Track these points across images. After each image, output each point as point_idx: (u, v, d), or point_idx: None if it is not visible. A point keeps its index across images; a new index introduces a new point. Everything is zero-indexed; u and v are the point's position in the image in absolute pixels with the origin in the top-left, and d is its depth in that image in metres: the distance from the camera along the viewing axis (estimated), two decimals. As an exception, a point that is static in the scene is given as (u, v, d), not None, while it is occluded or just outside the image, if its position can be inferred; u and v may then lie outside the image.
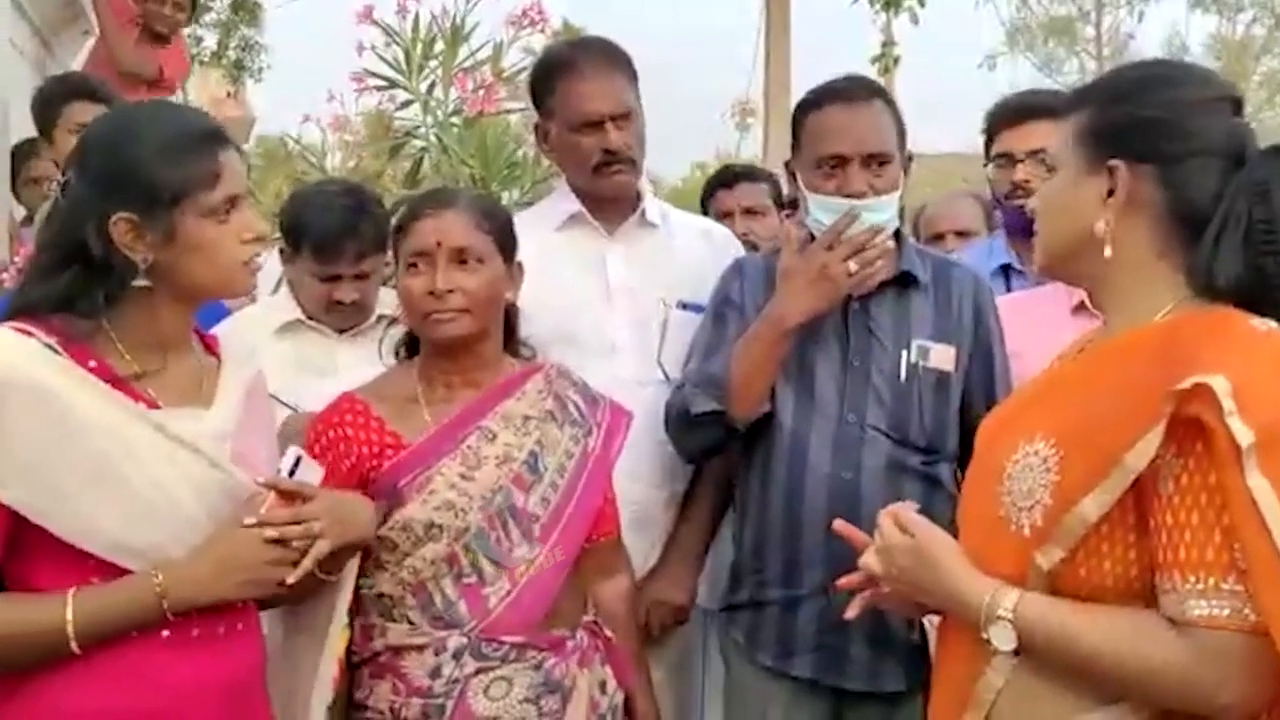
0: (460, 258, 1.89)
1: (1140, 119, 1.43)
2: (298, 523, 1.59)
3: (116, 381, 1.55)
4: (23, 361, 1.49)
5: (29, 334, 1.51)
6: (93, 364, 1.54)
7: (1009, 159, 2.69)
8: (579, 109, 2.35)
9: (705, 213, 3.16)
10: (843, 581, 1.63)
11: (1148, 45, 26.13)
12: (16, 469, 1.48)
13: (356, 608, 1.89)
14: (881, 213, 2.08)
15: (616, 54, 2.43)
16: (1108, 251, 1.43)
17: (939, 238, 3.43)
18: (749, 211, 3.27)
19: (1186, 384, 1.26)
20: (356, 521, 1.72)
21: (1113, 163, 1.43)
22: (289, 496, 1.61)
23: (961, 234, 3.36)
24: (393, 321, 2.18)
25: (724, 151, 23.82)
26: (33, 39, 4.82)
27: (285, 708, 1.78)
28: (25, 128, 3.87)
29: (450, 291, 1.87)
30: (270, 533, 1.55)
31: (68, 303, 1.53)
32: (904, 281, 2.16)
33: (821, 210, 2.09)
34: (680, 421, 2.13)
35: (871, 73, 8.42)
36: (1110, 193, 1.43)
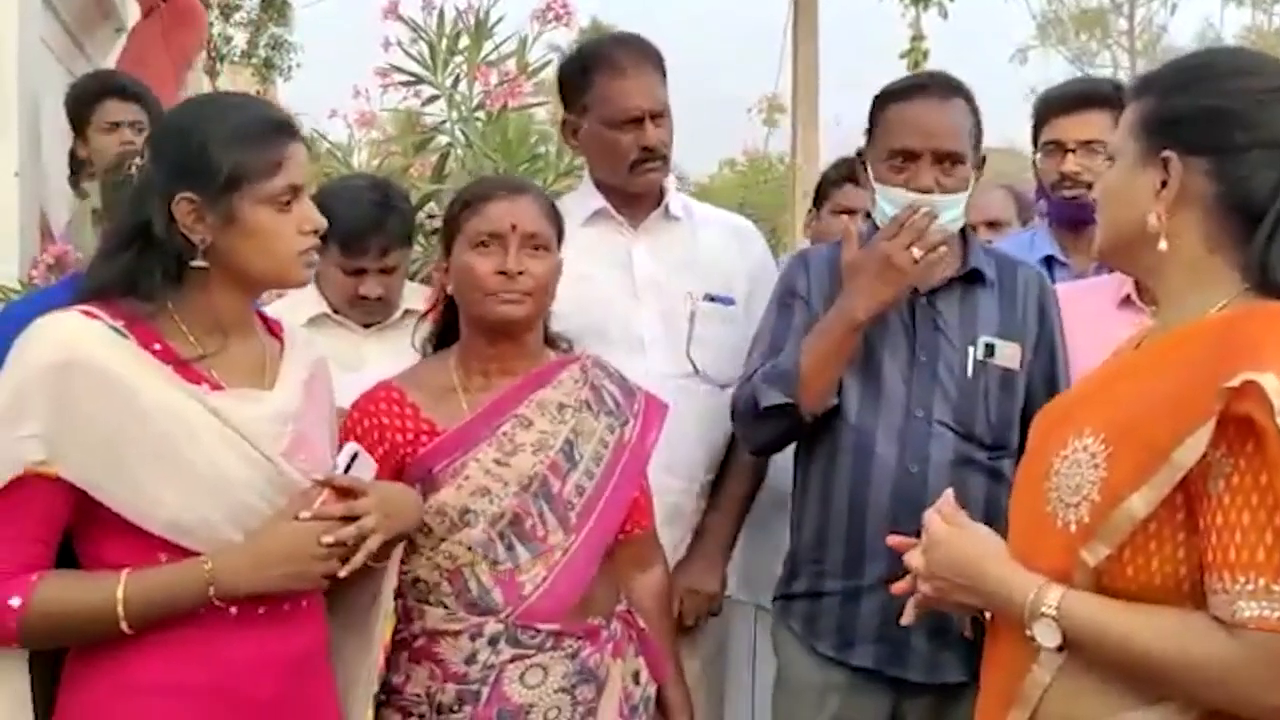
0: (532, 243, 1.92)
1: (1200, 109, 1.39)
2: (350, 517, 1.62)
3: (180, 364, 1.59)
4: (89, 344, 1.53)
5: (95, 316, 1.56)
6: (157, 346, 1.58)
7: (1059, 148, 2.63)
8: (620, 105, 2.35)
9: (820, 202, 3.07)
10: (896, 587, 1.63)
11: (1181, 38, 25.87)
12: (81, 447, 1.53)
13: (397, 590, 1.89)
14: (949, 211, 2.08)
15: (650, 50, 2.44)
16: (1163, 245, 1.39)
17: (970, 229, 3.39)
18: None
19: (1236, 381, 1.23)
20: (405, 514, 1.75)
21: (1165, 154, 1.39)
22: (343, 493, 1.64)
23: (992, 224, 3.33)
24: (423, 316, 2.18)
25: (752, 149, 23.78)
26: (64, 37, 4.86)
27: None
28: (57, 125, 3.89)
29: (520, 274, 1.89)
30: (327, 538, 1.59)
31: (132, 282, 1.58)
32: (970, 278, 2.16)
33: (888, 203, 2.10)
34: (748, 414, 2.13)
35: (901, 67, 8.35)
36: (1163, 184, 1.39)
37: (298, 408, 1.67)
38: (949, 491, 1.59)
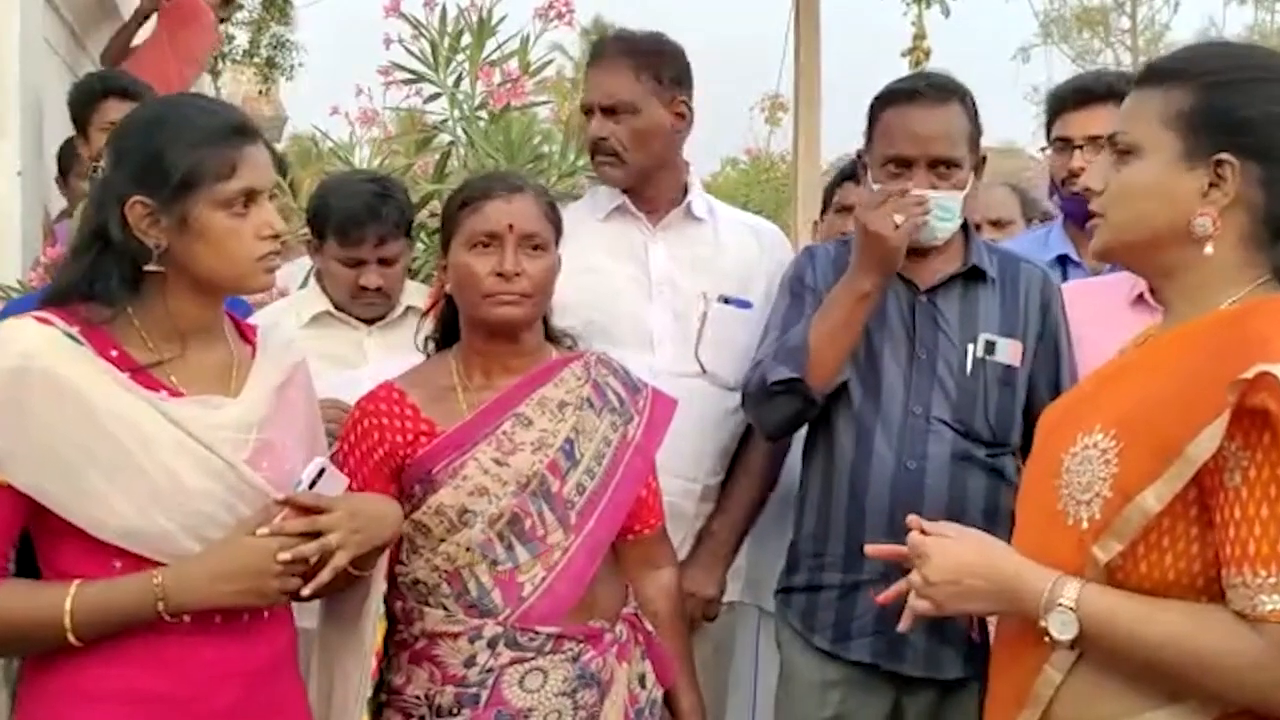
0: (530, 243, 1.90)
1: (1266, 115, 1.36)
2: (312, 533, 1.59)
3: (136, 370, 1.56)
4: (43, 351, 1.51)
5: (49, 323, 1.53)
6: (114, 353, 1.56)
7: (1067, 144, 2.62)
8: (585, 96, 2.39)
9: (828, 203, 3.05)
10: (881, 597, 1.62)
11: (1183, 37, 25.81)
12: (33, 456, 1.50)
13: (395, 593, 1.89)
14: (942, 207, 2.09)
15: (633, 45, 2.40)
16: (1209, 250, 1.36)
17: (973, 227, 3.38)
18: None
19: (1250, 373, 1.22)
20: (380, 525, 1.70)
21: (1224, 157, 1.36)
22: (307, 510, 1.60)
23: (996, 223, 3.32)
24: (424, 314, 2.18)
25: (755, 147, 23.73)
26: (66, 36, 4.86)
27: (329, 699, 1.78)
28: (59, 124, 3.90)
29: (517, 275, 1.88)
30: (284, 555, 1.55)
31: (90, 286, 1.56)
32: (971, 276, 2.16)
33: None
34: (758, 394, 2.13)
35: (903, 66, 8.36)
36: (1211, 186, 1.36)
37: (263, 415, 1.63)
38: (911, 518, 1.56)
